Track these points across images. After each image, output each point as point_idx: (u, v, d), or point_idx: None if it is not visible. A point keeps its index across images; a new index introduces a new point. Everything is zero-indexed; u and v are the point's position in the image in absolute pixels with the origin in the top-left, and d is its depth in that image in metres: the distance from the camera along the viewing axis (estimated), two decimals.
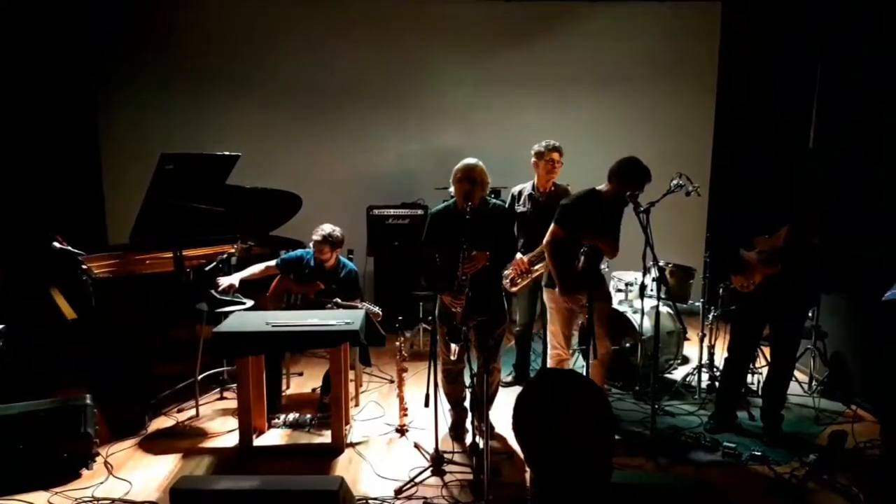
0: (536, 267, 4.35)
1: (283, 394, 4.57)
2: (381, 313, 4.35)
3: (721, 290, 4.49)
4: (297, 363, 5.18)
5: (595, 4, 6.60)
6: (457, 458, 3.62)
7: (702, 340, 4.62)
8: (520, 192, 4.56)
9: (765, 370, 4.43)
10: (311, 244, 4.38)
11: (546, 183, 4.44)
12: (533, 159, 4.44)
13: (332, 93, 6.68)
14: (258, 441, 3.84)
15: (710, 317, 4.62)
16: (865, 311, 4.34)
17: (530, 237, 4.32)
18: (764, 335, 4.05)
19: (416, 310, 5.69)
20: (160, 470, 3.56)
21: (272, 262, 4.53)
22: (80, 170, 6.38)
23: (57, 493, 3.28)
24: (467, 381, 3.64)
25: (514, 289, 4.43)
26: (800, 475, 3.31)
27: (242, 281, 4.40)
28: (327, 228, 4.32)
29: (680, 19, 6.58)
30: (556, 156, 4.37)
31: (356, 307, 4.27)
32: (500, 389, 4.00)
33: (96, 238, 6.21)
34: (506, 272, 4.36)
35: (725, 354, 4.08)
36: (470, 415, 3.95)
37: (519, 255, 4.30)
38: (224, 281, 4.34)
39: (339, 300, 4.32)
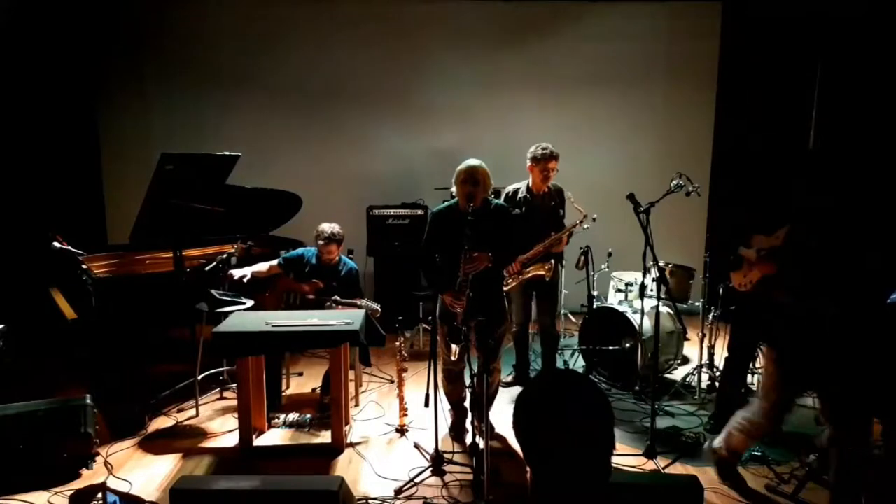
0: (528, 269, 4.34)
1: (283, 394, 4.57)
2: (379, 310, 4.36)
3: (721, 291, 4.49)
4: (297, 363, 5.18)
5: (595, 4, 6.60)
6: (457, 458, 3.62)
7: (702, 340, 4.62)
8: (514, 192, 4.51)
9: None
10: (317, 244, 4.39)
11: (541, 186, 4.41)
12: (528, 163, 4.40)
13: (332, 93, 6.68)
14: (258, 441, 3.83)
15: (710, 317, 4.62)
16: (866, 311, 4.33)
17: (524, 239, 4.28)
18: None
19: (416, 310, 5.69)
20: (160, 470, 3.56)
21: (275, 262, 4.55)
22: (80, 170, 6.38)
23: (57, 493, 3.28)
24: (467, 381, 3.64)
25: (505, 290, 4.35)
26: (800, 475, 3.31)
27: (243, 278, 4.42)
28: (328, 228, 4.34)
29: (680, 19, 6.58)
30: (552, 164, 4.30)
31: (356, 304, 4.28)
32: (501, 389, 4.00)
33: (96, 238, 6.21)
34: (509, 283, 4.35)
35: (726, 354, 4.08)
36: (470, 415, 3.95)
37: None
38: (237, 273, 4.38)
39: (338, 297, 4.33)
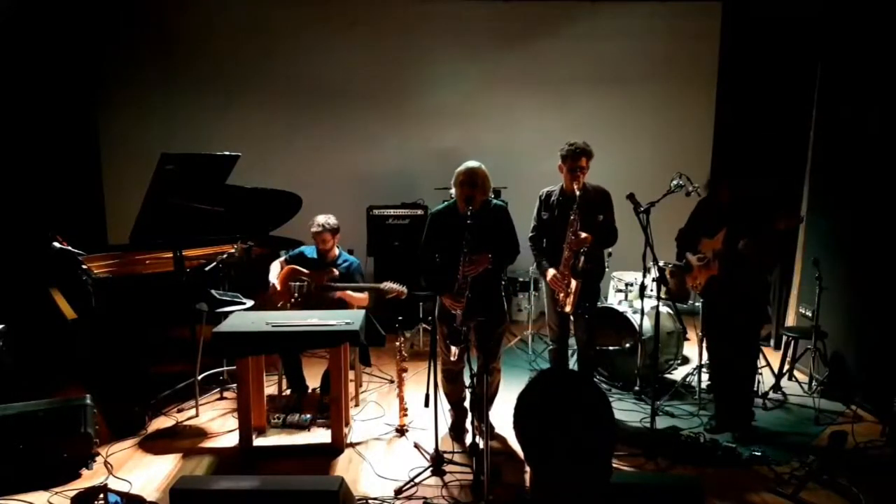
0: (573, 279, 3.86)
1: (283, 394, 4.57)
2: (405, 291, 4.43)
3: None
4: None
5: (595, 4, 6.59)
6: (457, 458, 3.62)
7: (701, 340, 4.61)
8: (548, 195, 4.07)
9: (766, 370, 4.44)
10: (313, 238, 4.45)
11: (571, 186, 3.90)
12: (559, 162, 3.93)
13: (332, 93, 6.68)
14: (258, 441, 3.84)
15: None
16: (866, 310, 4.34)
17: (554, 244, 3.94)
18: (764, 335, 4.08)
19: (416, 310, 5.69)
20: (160, 470, 3.57)
21: (281, 259, 4.59)
22: (80, 170, 6.38)
23: (57, 493, 3.28)
24: (467, 381, 3.64)
25: (569, 309, 3.89)
26: (800, 475, 3.31)
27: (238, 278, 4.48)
28: (321, 219, 4.41)
29: (680, 19, 6.57)
30: (582, 162, 3.83)
31: (379, 288, 4.40)
32: (502, 390, 4.00)
33: (96, 238, 6.21)
34: (560, 299, 3.91)
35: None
36: (470, 415, 3.95)
37: (551, 271, 3.89)
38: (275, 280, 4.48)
39: (358, 284, 4.43)
